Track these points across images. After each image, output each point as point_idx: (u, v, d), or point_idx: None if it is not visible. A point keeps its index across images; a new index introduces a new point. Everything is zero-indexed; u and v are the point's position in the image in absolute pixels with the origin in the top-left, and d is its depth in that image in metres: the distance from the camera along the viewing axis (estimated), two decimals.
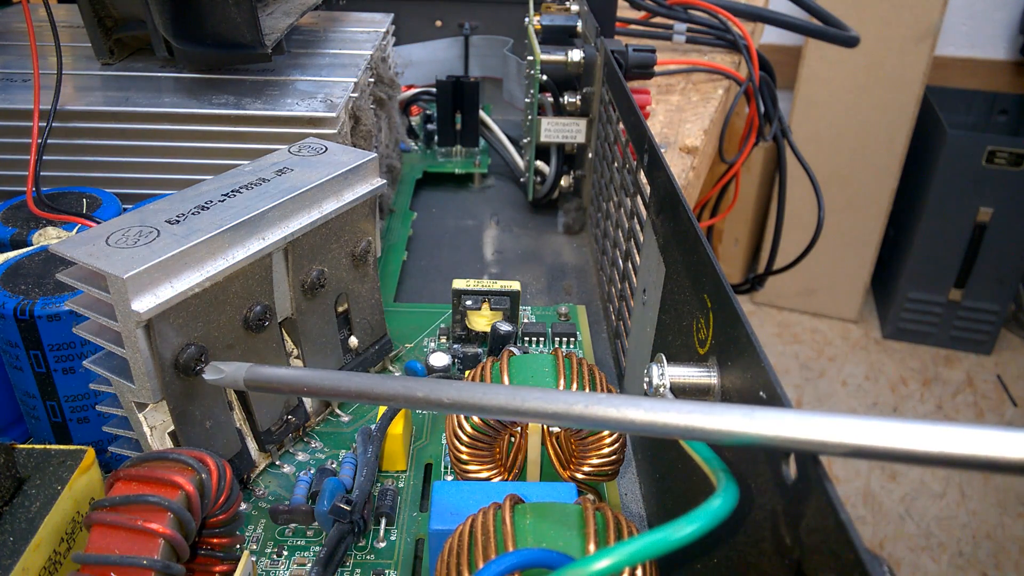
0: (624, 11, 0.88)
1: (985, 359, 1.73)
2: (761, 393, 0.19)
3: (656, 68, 0.53)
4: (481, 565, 0.19)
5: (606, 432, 0.27)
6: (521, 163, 0.61)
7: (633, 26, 0.87)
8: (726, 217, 1.44)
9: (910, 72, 1.54)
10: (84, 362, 0.27)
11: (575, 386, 0.27)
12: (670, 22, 0.87)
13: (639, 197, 0.37)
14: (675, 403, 0.16)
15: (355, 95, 0.43)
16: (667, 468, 0.29)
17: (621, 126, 0.43)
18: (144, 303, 0.24)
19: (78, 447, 0.25)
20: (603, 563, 0.15)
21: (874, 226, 1.70)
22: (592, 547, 0.19)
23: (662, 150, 0.65)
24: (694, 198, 0.71)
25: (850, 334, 1.81)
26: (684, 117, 0.71)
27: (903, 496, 1.42)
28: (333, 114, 0.40)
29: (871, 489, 1.45)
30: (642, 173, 0.37)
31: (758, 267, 1.86)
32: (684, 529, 0.15)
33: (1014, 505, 1.39)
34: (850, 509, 1.45)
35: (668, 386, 0.23)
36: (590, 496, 0.22)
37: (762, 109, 0.77)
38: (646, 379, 0.24)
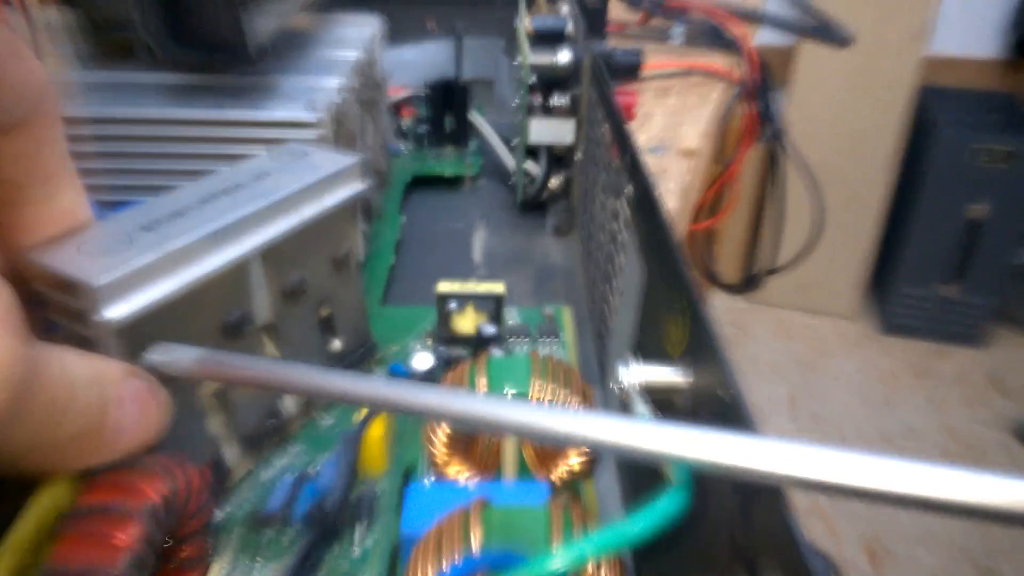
0: (622, 12, 0.88)
1: (977, 353, 1.74)
2: (723, 395, 0.19)
3: (653, 70, 0.53)
4: (447, 567, 0.19)
5: None
6: (511, 164, 0.61)
7: (630, 28, 0.88)
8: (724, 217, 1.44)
9: (903, 71, 1.54)
10: None
11: (550, 386, 0.27)
12: (667, 24, 0.88)
13: (622, 199, 0.38)
14: (613, 419, 0.16)
15: (340, 98, 0.43)
16: (645, 466, 0.29)
17: (606, 127, 0.43)
18: (117, 311, 0.24)
19: None
20: (556, 563, 0.15)
21: (868, 223, 1.71)
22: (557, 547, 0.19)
23: (660, 153, 0.65)
24: (693, 200, 0.71)
25: (844, 330, 1.82)
26: (682, 120, 0.71)
27: None
28: (317, 117, 0.40)
29: None
30: (624, 175, 0.37)
31: (755, 267, 1.87)
32: (634, 527, 0.15)
33: None
34: (844, 501, 1.45)
35: (637, 386, 0.23)
36: (562, 497, 0.22)
37: (759, 110, 0.78)
38: (616, 379, 0.24)
